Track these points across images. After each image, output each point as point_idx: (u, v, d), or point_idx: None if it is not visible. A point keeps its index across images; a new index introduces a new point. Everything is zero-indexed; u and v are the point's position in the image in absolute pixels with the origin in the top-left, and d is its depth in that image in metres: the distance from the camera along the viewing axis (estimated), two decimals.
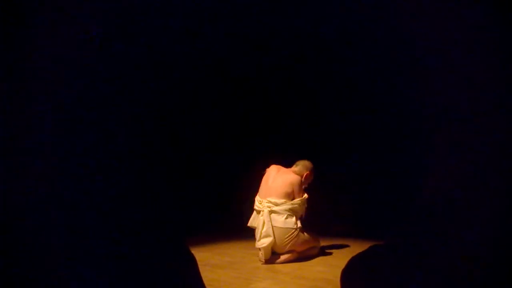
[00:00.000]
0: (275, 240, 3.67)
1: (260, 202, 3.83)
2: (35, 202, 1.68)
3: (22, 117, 1.81)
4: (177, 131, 5.32)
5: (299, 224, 3.76)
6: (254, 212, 3.89)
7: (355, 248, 4.20)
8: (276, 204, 3.75)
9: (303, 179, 3.94)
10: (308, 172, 4.01)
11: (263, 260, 3.68)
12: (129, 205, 2.00)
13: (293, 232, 3.70)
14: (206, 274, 2.92)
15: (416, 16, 2.24)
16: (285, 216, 3.72)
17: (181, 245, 2.12)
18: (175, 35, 4.50)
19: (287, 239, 3.69)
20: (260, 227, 3.72)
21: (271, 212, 3.72)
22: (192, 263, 2.08)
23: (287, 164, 4.10)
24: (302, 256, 3.78)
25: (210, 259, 3.73)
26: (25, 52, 1.87)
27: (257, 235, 3.74)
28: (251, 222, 3.88)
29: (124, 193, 1.96)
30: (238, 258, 3.84)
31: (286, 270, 3.47)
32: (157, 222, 2.07)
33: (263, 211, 3.75)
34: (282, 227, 3.70)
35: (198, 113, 5.49)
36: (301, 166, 4.03)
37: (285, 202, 3.76)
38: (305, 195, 3.91)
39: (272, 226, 3.70)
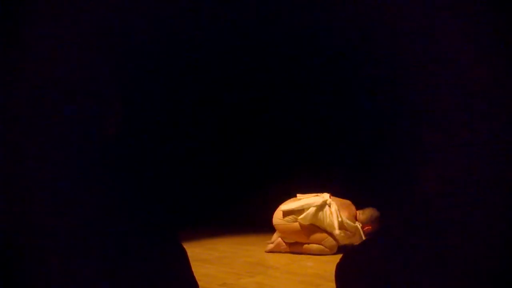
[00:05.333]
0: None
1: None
2: (32, 199, 1.65)
3: (20, 117, 1.77)
4: (171, 130, 5.31)
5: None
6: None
7: None
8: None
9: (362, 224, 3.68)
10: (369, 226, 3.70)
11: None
12: (122, 200, 1.97)
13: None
14: (196, 269, 2.87)
15: (415, 16, 2.24)
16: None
17: (173, 239, 2.09)
18: (176, 34, 4.50)
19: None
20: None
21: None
22: (183, 257, 2.05)
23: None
24: (297, 251, 3.76)
25: (200, 254, 3.71)
26: (25, 52, 1.83)
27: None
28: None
29: (118, 188, 1.93)
30: (228, 253, 3.82)
31: (276, 265, 3.46)
32: (149, 217, 2.05)
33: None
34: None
35: (188, 112, 5.48)
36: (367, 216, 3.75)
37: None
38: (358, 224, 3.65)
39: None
